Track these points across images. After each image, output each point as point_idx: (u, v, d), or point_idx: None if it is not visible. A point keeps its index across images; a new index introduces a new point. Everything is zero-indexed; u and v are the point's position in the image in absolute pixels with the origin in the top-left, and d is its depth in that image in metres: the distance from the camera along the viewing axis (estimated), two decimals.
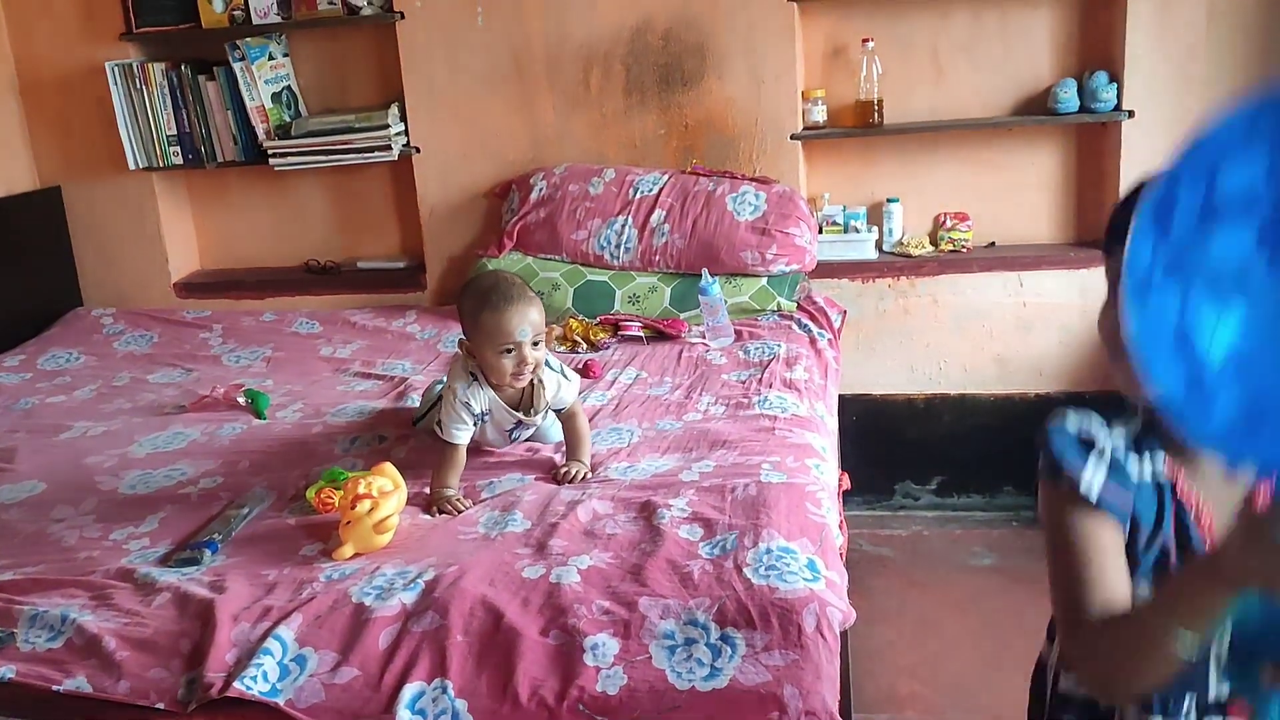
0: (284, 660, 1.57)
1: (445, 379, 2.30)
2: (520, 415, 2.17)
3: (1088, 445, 1.08)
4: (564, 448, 2.23)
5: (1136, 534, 1.07)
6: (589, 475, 2.13)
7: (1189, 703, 1.10)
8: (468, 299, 2.10)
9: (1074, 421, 1.10)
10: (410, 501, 2.02)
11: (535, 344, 2.06)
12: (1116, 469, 1.07)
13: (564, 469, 2.12)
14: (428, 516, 2.01)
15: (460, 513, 2.00)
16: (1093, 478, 1.06)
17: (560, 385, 2.17)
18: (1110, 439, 1.09)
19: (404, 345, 3.19)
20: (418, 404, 2.56)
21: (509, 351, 2.04)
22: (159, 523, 2.07)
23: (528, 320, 2.03)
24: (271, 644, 1.58)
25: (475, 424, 2.13)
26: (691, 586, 1.65)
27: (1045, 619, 2.93)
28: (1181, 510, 1.08)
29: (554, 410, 2.21)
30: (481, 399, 2.12)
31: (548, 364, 2.15)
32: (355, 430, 2.51)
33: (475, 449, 2.20)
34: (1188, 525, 1.08)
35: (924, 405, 3.40)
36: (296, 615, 1.64)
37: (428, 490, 2.09)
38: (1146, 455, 1.09)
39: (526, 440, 2.30)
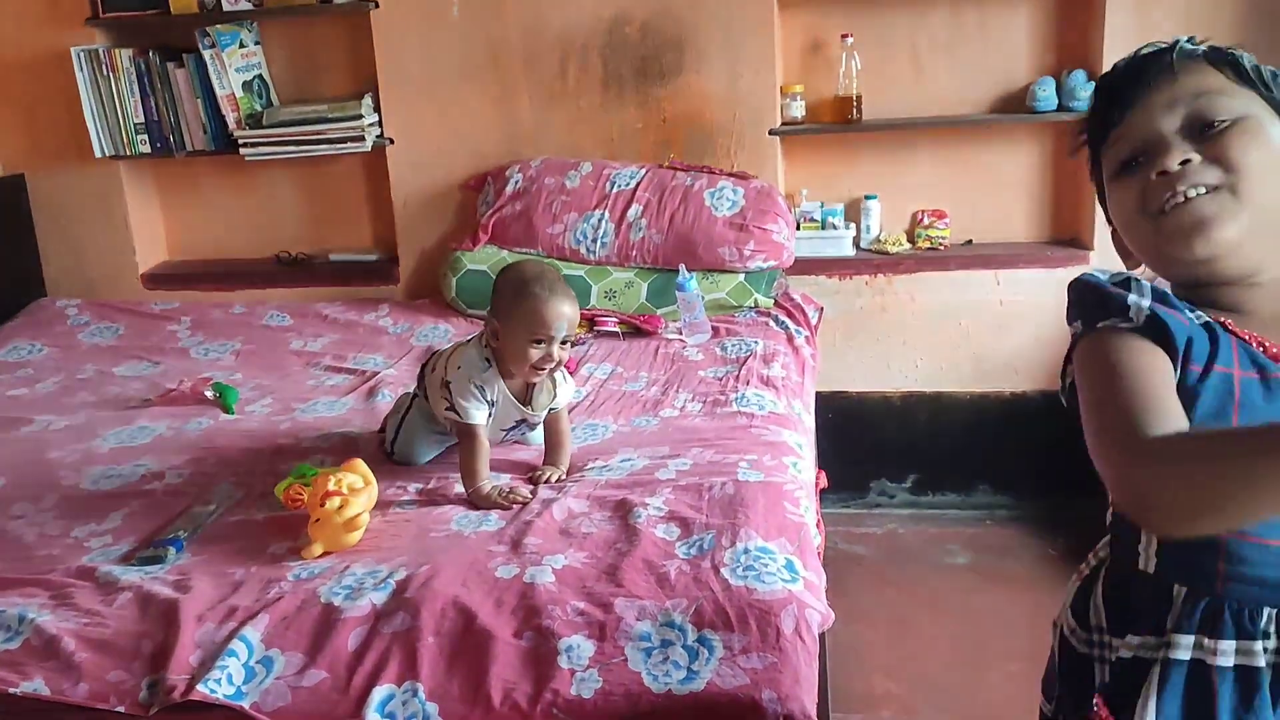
0: (249, 662, 1.53)
1: (415, 389, 2.23)
2: (525, 411, 2.12)
3: (1125, 284, 1.01)
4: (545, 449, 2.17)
5: (1188, 366, 0.97)
6: (563, 479, 2.07)
7: (1267, 618, 0.98)
8: (510, 281, 2.05)
9: (1100, 271, 1.05)
10: (385, 502, 1.98)
11: (564, 343, 2.02)
12: (1161, 297, 1.00)
13: (540, 472, 2.07)
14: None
15: (526, 501, 1.94)
16: (1140, 301, 0.98)
17: (564, 386, 2.13)
18: (1143, 285, 1.02)
19: (376, 339, 3.15)
20: (388, 400, 2.52)
21: (539, 343, 1.99)
22: (122, 520, 2.02)
23: (565, 316, 2.00)
24: (237, 645, 1.54)
25: (490, 409, 2.07)
26: (668, 587, 1.62)
27: (1020, 617, 2.93)
28: (1244, 344, 0.99)
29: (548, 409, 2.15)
30: (493, 387, 2.06)
31: None
32: (325, 425, 2.46)
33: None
34: (1254, 356, 0.98)
35: (900, 403, 3.40)
36: (263, 616, 1.60)
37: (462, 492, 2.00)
38: (1184, 306, 1.01)
39: (516, 440, 2.24)
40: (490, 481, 2.01)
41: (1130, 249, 1.10)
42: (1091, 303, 1.02)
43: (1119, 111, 1.07)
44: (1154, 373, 0.95)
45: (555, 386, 2.11)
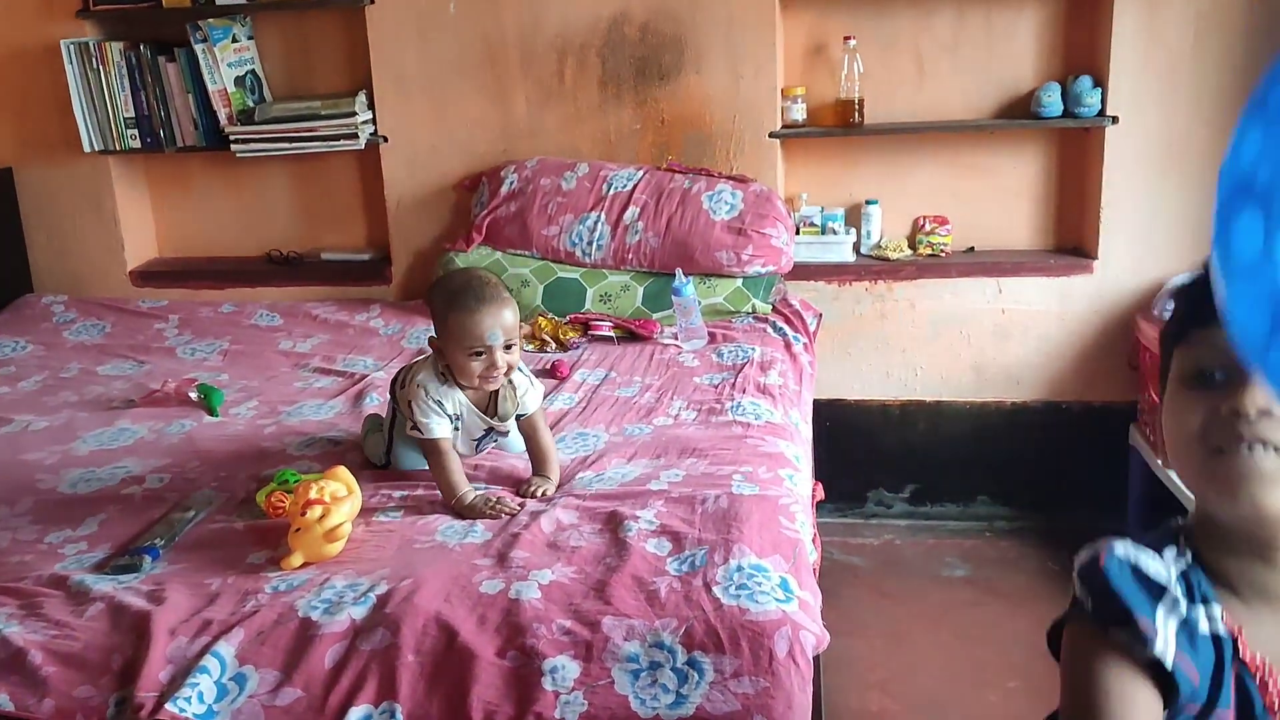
0: (222, 679, 1.47)
1: (390, 403, 2.17)
2: (491, 421, 2.06)
3: (1155, 591, 0.90)
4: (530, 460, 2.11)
5: (1176, 703, 0.90)
6: (550, 493, 2.00)
7: None
8: (438, 297, 2.00)
9: (1126, 552, 0.92)
10: (368, 511, 1.93)
11: (508, 347, 1.95)
12: (1188, 627, 0.89)
13: (529, 485, 2.00)
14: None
15: (514, 513, 1.88)
16: (1167, 638, 0.88)
17: (527, 389, 2.06)
18: (1171, 581, 0.91)
19: (366, 341, 3.09)
20: (377, 404, 2.46)
21: (479, 354, 1.94)
22: (98, 525, 1.97)
23: (500, 323, 1.93)
24: (209, 661, 1.49)
25: (452, 422, 2.01)
26: (658, 606, 1.56)
27: (1019, 632, 2.88)
28: (1245, 675, 0.90)
29: (516, 415, 2.10)
30: (453, 400, 2.01)
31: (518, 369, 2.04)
32: (311, 429, 2.41)
33: None
34: (1251, 695, 0.90)
35: (899, 412, 3.34)
36: (238, 630, 1.55)
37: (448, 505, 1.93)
38: (1200, 604, 0.92)
39: (491, 449, 2.19)
40: (474, 490, 1.95)
41: (1170, 462, 0.97)
42: (1106, 609, 0.91)
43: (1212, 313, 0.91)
44: None
45: (517, 391, 2.05)
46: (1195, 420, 0.91)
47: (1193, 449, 0.92)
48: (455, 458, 1.99)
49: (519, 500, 1.95)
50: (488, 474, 2.10)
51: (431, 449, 1.98)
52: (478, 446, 2.13)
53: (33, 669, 1.50)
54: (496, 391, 2.03)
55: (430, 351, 2.06)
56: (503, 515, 1.88)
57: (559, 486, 2.02)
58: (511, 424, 2.09)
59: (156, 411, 2.57)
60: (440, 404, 1.99)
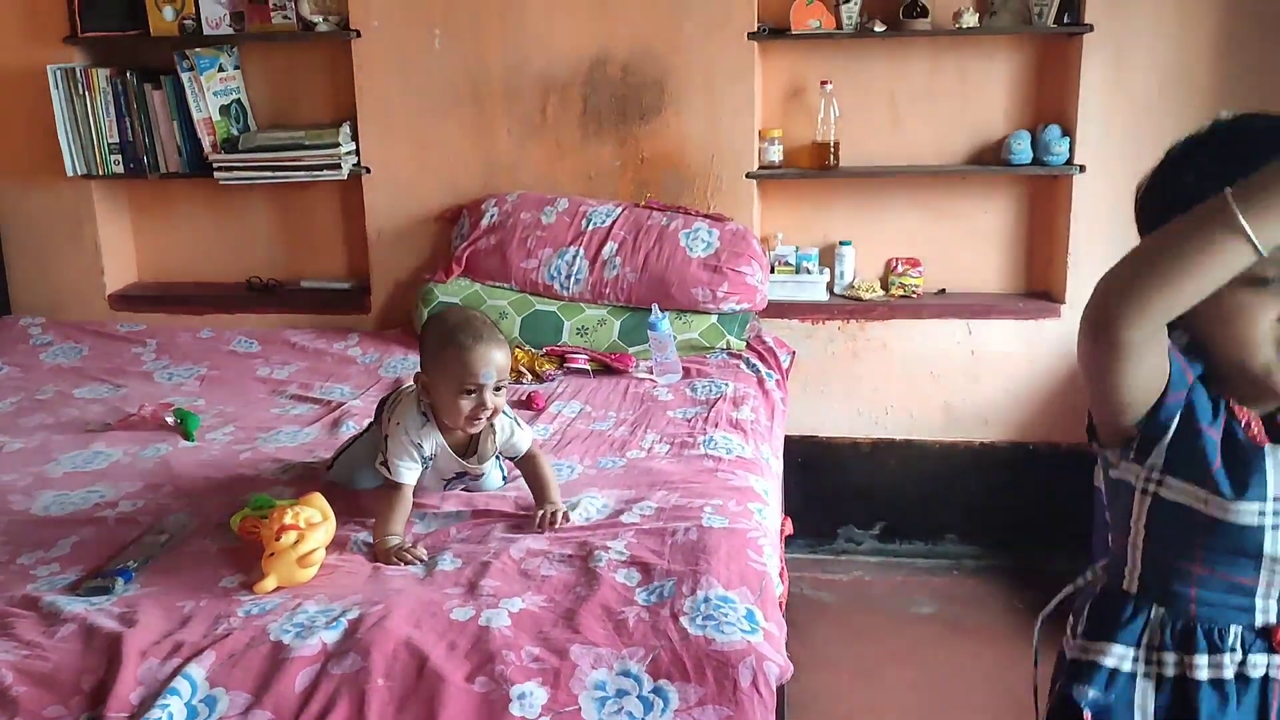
0: (192, 701, 1.48)
1: (371, 426, 2.19)
2: (467, 464, 2.06)
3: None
4: (521, 495, 2.10)
5: (1195, 422, 1.11)
6: (566, 514, 1.98)
7: (1235, 634, 1.15)
8: (432, 333, 2.00)
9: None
10: (341, 539, 1.94)
11: (498, 389, 1.96)
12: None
13: (542, 514, 1.98)
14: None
15: (422, 560, 1.86)
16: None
17: (513, 431, 2.06)
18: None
19: (344, 369, 3.11)
20: (352, 431, 2.48)
21: (469, 393, 1.93)
22: (71, 547, 1.97)
23: (493, 363, 1.93)
24: (180, 683, 1.50)
25: (423, 466, 2.02)
26: (626, 634, 1.59)
27: (985, 670, 2.91)
28: (1232, 417, 1.13)
29: (508, 457, 2.10)
30: (431, 442, 2.01)
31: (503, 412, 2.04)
32: (287, 455, 2.42)
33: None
34: (1236, 431, 1.12)
35: (869, 449, 3.39)
36: (210, 652, 1.56)
37: (369, 540, 1.94)
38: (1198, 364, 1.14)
39: (461, 491, 2.17)
40: (397, 537, 1.93)
41: (1210, 320, 1.11)
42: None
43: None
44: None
45: (496, 435, 2.04)
46: (1270, 314, 1.07)
47: (1261, 331, 1.08)
48: (407, 507, 1.98)
49: (426, 553, 1.90)
50: (495, 512, 2.07)
51: (392, 487, 1.98)
52: (446, 486, 2.12)
53: (3, 688, 1.51)
54: (477, 437, 2.04)
55: (411, 390, 2.05)
56: (406, 563, 1.86)
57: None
58: (488, 466, 2.10)
59: (132, 435, 2.57)
60: (419, 446, 1.99)
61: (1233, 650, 1.15)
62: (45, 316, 3.47)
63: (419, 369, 2.04)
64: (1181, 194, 1.03)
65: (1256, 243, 0.93)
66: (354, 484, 2.18)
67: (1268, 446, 1.11)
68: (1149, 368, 1.08)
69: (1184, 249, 0.96)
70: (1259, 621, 1.14)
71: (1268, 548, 1.10)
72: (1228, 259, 0.95)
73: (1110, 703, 1.19)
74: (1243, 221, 0.92)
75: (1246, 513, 1.09)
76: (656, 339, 2.88)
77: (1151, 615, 1.18)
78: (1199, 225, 0.95)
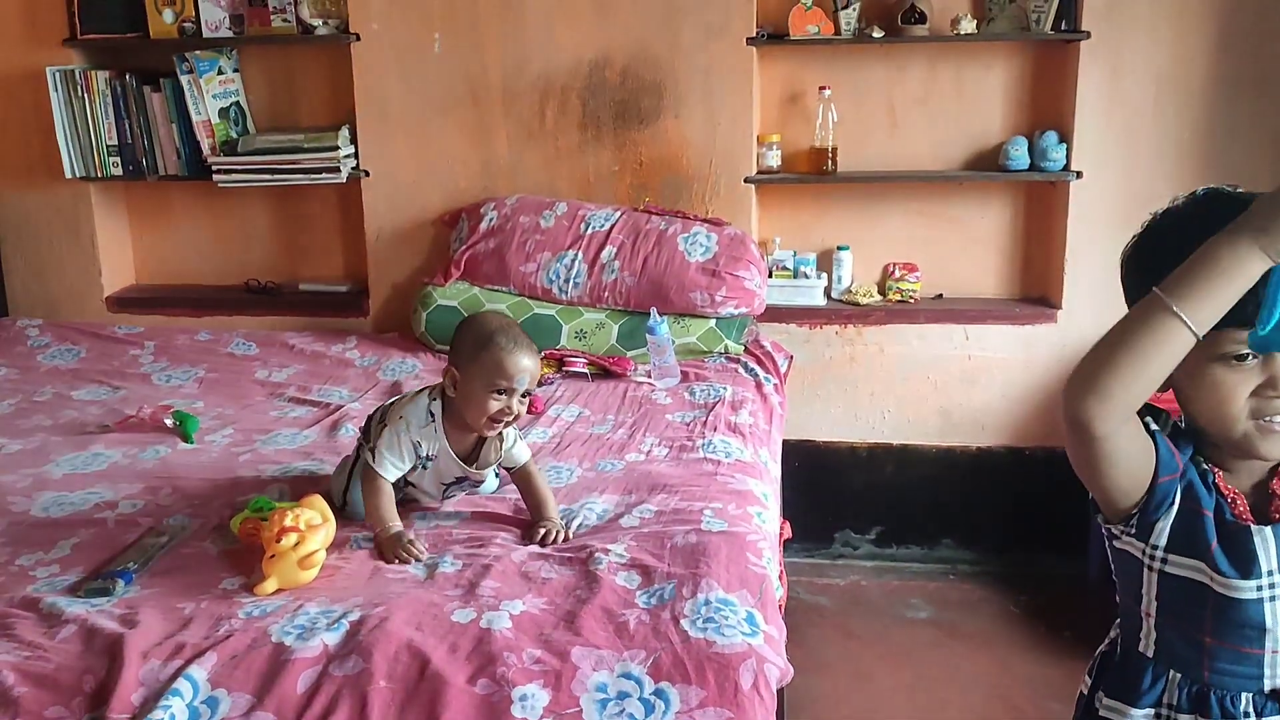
0: (193, 702, 1.49)
1: (358, 441, 2.16)
2: (469, 469, 2.06)
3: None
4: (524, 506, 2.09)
5: (1197, 500, 1.17)
6: (565, 533, 1.98)
7: (1246, 700, 1.20)
8: (473, 331, 2.01)
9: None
10: (341, 540, 1.94)
11: (524, 396, 1.98)
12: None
13: (537, 531, 1.97)
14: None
15: (420, 559, 1.87)
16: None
17: (516, 441, 2.08)
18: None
19: (342, 371, 3.11)
20: (351, 434, 2.48)
21: (500, 394, 1.95)
22: (71, 549, 1.97)
23: (529, 370, 1.96)
24: (181, 684, 1.50)
25: (415, 467, 2.02)
26: (627, 637, 1.60)
27: (981, 674, 2.92)
28: (1220, 498, 1.19)
29: (505, 468, 2.10)
30: (432, 443, 2.02)
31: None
32: (286, 458, 2.43)
33: (403, 501, 2.06)
34: (1225, 510, 1.18)
35: (866, 454, 3.40)
36: (211, 654, 1.56)
37: (368, 535, 1.94)
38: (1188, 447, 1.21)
39: (461, 496, 2.16)
40: (398, 526, 1.94)
41: (1191, 398, 1.19)
42: None
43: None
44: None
45: (502, 444, 2.05)
46: (1242, 391, 1.14)
47: (1236, 407, 1.15)
48: (390, 494, 1.98)
49: (425, 551, 1.90)
50: (490, 524, 2.06)
51: (370, 479, 1.98)
52: (445, 491, 2.12)
53: (4, 689, 1.51)
54: (484, 441, 2.05)
55: (424, 388, 2.06)
56: (401, 559, 1.87)
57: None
58: (488, 473, 2.11)
59: (131, 437, 2.57)
60: (418, 445, 1.99)
61: (1246, 716, 1.20)
62: (43, 318, 3.47)
63: (449, 366, 2.01)
64: (1157, 268, 1.09)
65: (1191, 327, 1.02)
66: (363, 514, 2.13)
67: (1253, 526, 1.17)
68: (1129, 455, 1.14)
69: (1130, 341, 1.05)
70: (1268, 686, 1.19)
71: (1269, 621, 1.17)
72: (1172, 345, 1.04)
73: None
74: (1176, 310, 1.02)
75: (1246, 588, 1.16)
76: (655, 343, 2.89)
77: (1169, 678, 1.24)
78: (1141, 318, 1.05)
